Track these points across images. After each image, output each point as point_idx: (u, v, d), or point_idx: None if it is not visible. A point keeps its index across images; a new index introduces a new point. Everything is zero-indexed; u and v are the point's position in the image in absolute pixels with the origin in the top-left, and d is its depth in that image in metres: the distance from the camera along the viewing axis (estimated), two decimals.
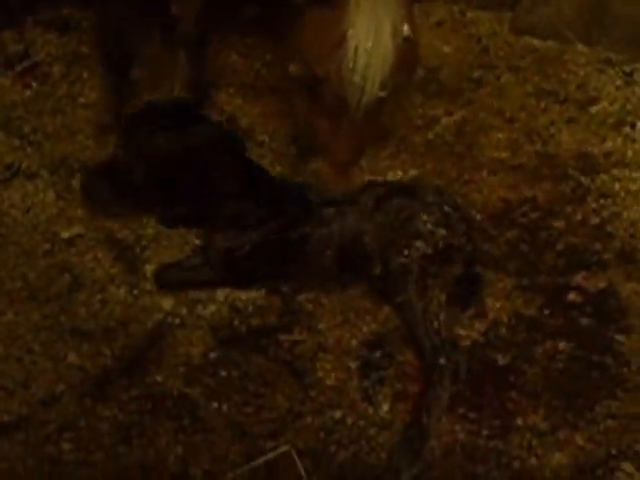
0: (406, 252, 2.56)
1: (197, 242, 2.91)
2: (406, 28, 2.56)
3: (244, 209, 2.69)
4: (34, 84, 3.54)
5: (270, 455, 2.40)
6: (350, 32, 2.51)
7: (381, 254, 2.61)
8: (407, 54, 2.62)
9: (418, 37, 2.68)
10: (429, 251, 2.57)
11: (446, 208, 2.66)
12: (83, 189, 2.78)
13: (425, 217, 2.60)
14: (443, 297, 2.57)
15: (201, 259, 2.79)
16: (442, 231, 2.59)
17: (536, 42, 3.72)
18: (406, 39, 2.57)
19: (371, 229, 2.64)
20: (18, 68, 3.57)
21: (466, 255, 2.65)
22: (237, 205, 2.69)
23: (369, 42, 2.51)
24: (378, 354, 2.62)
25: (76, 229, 2.99)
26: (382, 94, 2.61)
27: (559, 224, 3.00)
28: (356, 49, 2.51)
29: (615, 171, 3.17)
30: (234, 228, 2.70)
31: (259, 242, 2.69)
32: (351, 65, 2.53)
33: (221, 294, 2.80)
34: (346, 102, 2.60)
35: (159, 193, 2.64)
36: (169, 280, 2.80)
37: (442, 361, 2.46)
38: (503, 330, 2.70)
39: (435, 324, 2.50)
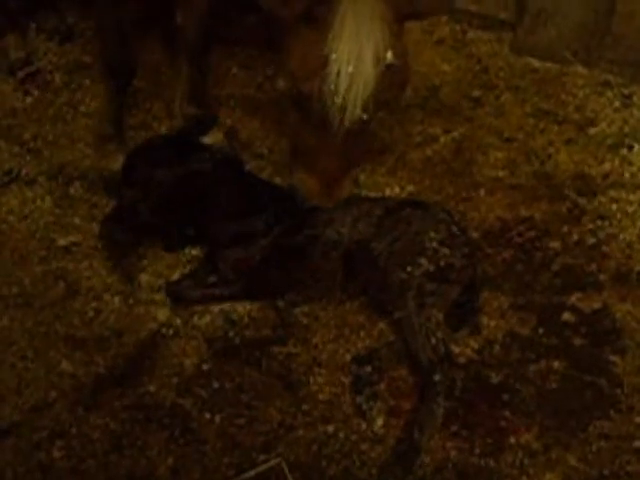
0: (409, 268, 2.56)
1: (194, 252, 2.92)
2: (389, 55, 2.58)
3: (249, 224, 2.75)
4: (35, 91, 3.56)
5: (261, 467, 2.39)
6: (333, 55, 2.53)
7: (385, 265, 2.61)
8: (393, 77, 2.63)
9: (406, 58, 2.68)
10: (431, 269, 2.57)
11: (453, 228, 2.67)
12: (102, 238, 2.86)
13: (433, 234, 2.61)
14: (441, 315, 2.57)
15: (215, 276, 2.80)
16: (446, 250, 2.60)
17: (536, 63, 3.75)
18: (389, 66, 2.58)
19: (379, 236, 2.64)
20: (20, 75, 3.60)
21: (466, 278, 2.65)
22: (241, 222, 2.75)
23: (350, 66, 2.53)
24: (371, 369, 2.62)
25: (73, 237, 3.00)
26: (365, 116, 2.63)
27: (555, 244, 3.01)
28: (338, 72, 2.53)
29: (612, 192, 3.19)
30: (241, 243, 2.74)
31: (268, 249, 2.72)
32: (333, 87, 2.55)
33: (216, 306, 2.80)
34: (329, 121, 2.62)
35: (165, 224, 2.78)
36: (185, 296, 2.80)
37: (437, 378, 2.46)
38: (497, 348, 2.70)
39: (433, 341, 2.49)
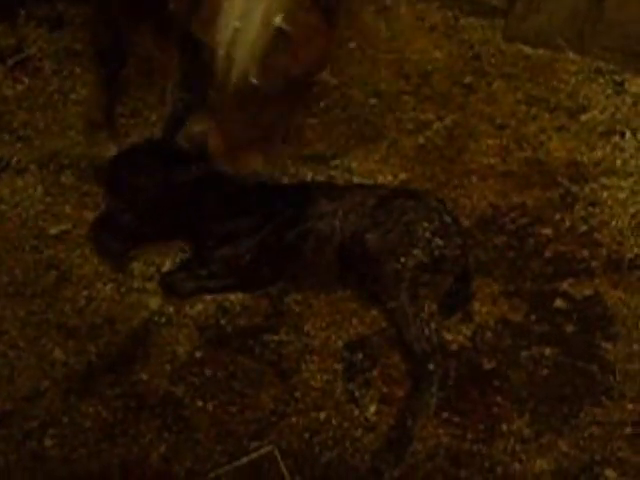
0: (402, 259, 2.56)
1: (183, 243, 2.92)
2: (278, 19, 2.41)
3: (234, 225, 2.73)
4: (25, 79, 3.53)
5: (254, 455, 2.40)
6: (225, 4, 2.42)
7: (378, 255, 2.61)
8: (290, 46, 2.45)
9: (316, 32, 2.48)
10: (424, 260, 2.56)
11: (446, 218, 2.66)
12: (95, 247, 2.82)
13: (425, 224, 2.60)
14: (434, 306, 2.57)
15: (206, 270, 2.78)
16: (439, 241, 2.59)
17: (528, 50, 3.74)
18: (282, 31, 2.41)
19: (372, 227, 2.63)
20: (10, 62, 3.56)
21: (458, 268, 2.65)
22: (229, 223, 2.74)
23: (238, 22, 2.40)
24: (363, 356, 2.62)
25: (64, 225, 2.98)
26: (254, 80, 2.46)
27: (547, 231, 3.01)
28: (227, 25, 2.42)
29: (604, 179, 3.19)
30: (230, 243, 2.72)
31: (257, 248, 2.71)
32: (219, 39, 2.43)
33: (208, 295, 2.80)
34: (216, 73, 2.50)
35: (152, 231, 2.75)
36: (179, 288, 2.78)
37: (431, 367, 2.46)
38: (489, 335, 2.70)
39: (426, 331, 2.50)
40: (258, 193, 2.82)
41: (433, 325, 2.52)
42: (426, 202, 2.71)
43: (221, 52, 2.44)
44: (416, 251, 2.56)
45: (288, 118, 2.75)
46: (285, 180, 3.09)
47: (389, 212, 2.64)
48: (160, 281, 2.81)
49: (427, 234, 2.58)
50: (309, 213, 2.71)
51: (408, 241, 2.57)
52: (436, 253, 2.58)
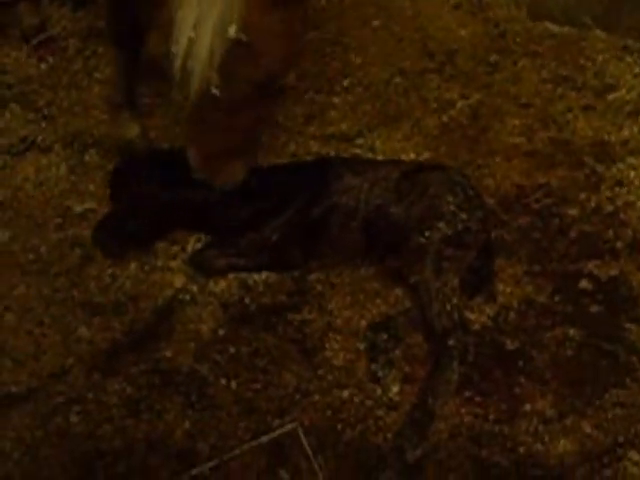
0: (427, 232, 2.55)
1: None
2: (232, 30, 2.26)
3: (259, 207, 2.74)
4: (49, 58, 3.55)
5: (277, 432, 2.41)
6: (178, 15, 2.29)
7: (403, 228, 2.60)
8: (250, 56, 2.32)
9: (279, 39, 2.32)
10: (449, 233, 2.55)
11: (469, 191, 2.65)
12: (97, 245, 2.83)
13: (450, 198, 2.59)
14: (456, 281, 2.56)
15: (235, 249, 2.79)
16: (463, 215, 2.58)
17: (554, 27, 3.70)
18: (239, 42, 2.27)
19: (396, 201, 2.62)
20: (34, 42, 3.58)
21: (480, 242, 2.64)
22: (250, 207, 2.74)
23: (191, 31, 2.28)
24: (387, 337, 2.62)
25: (88, 204, 3.00)
26: (214, 90, 2.35)
27: (572, 211, 2.98)
28: (181, 35, 2.30)
29: (631, 159, 3.15)
30: (255, 226, 2.73)
31: (284, 227, 2.71)
32: (174, 50, 2.33)
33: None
34: (174, 84, 2.41)
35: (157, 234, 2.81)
36: (210, 266, 2.79)
37: (452, 343, 2.46)
38: (513, 315, 2.69)
39: (448, 307, 2.49)
40: (280, 172, 2.82)
41: (455, 301, 2.51)
42: (449, 175, 2.70)
43: (177, 63, 2.33)
44: (441, 224, 2.55)
45: (261, 124, 2.66)
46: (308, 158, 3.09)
47: (413, 185, 2.64)
48: (190, 259, 2.82)
49: (452, 207, 2.58)
50: (333, 188, 2.70)
51: (433, 214, 2.56)
52: (460, 227, 2.57)
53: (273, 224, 2.72)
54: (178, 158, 2.61)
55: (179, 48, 2.31)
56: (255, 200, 2.74)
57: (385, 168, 2.74)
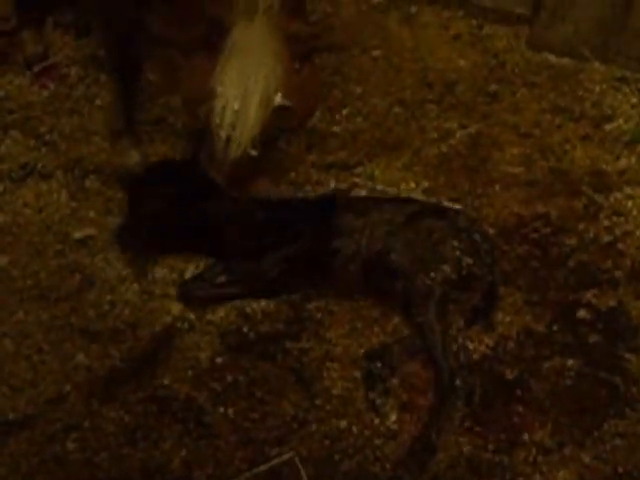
0: (432, 274, 2.56)
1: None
2: (278, 98, 2.45)
3: (261, 241, 2.74)
4: (51, 85, 3.58)
5: (274, 462, 2.39)
6: (219, 89, 2.43)
7: (407, 271, 2.60)
8: (287, 116, 2.50)
9: (311, 93, 2.55)
10: (453, 276, 2.56)
11: (476, 236, 2.66)
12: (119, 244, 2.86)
13: (455, 243, 2.60)
14: (462, 322, 2.57)
15: (227, 277, 2.80)
16: (469, 259, 2.59)
17: (552, 58, 3.73)
18: (281, 107, 2.46)
19: (399, 246, 2.63)
20: (36, 69, 3.60)
21: (486, 285, 2.64)
22: (253, 239, 2.75)
23: (236, 104, 2.42)
24: (383, 364, 2.61)
25: (88, 230, 3.01)
26: (253, 152, 2.54)
27: (571, 241, 2.99)
28: (224, 107, 2.44)
29: (628, 189, 3.16)
30: (254, 259, 2.74)
31: (282, 264, 2.72)
32: (218, 121, 2.46)
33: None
34: (216, 150, 2.56)
35: (173, 241, 2.81)
36: (195, 296, 2.80)
37: (458, 383, 2.46)
38: (512, 345, 2.69)
39: (454, 347, 2.49)
40: (284, 207, 2.83)
41: (461, 341, 2.52)
42: (455, 221, 2.69)
43: (222, 134, 2.47)
44: (445, 267, 2.56)
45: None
46: (308, 188, 3.10)
47: (417, 232, 2.64)
48: (177, 290, 2.82)
49: (456, 252, 2.59)
50: (335, 229, 2.70)
51: (437, 258, 2.57)
52: (465, 271, 2.58)
53: (272, 259, 2.72)
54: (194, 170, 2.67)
55: (224, 119, 2.43)
56: (258, 232, 2.76)
57: (389, 210, 2.72)
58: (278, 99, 2.44)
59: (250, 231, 2.75)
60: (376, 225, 2.67)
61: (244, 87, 2.40)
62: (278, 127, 2.55)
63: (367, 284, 2.72)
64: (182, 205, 2.71)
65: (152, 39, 2.66)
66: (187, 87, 2.59)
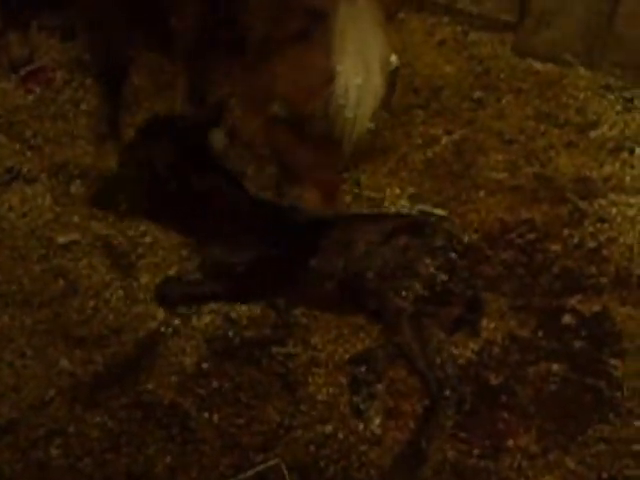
0: (403, 293, 2.56)
1: (193, 254, 2.91)
2: (394, 59, 2.57)
3: (241, 229, 2.75)
4: (37, 89, 3.55)
5: (259, 467, 2.39)
6: (339, 69, 2.46)
7: (379, 290, 2.61)
8: (395, 77, 2.62)
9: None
10: (425, 293, 2.56)
11: (452, 255, 2.65)
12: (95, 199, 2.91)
13: (428, 261, 2.60)
14: (442, 335, 2.56)
15: (200, 274, 2.80)
16: (443, 276, 2.59)
17: (537, 65, 3.75)
18: (395, 69, 2.57)
19: (375, 265, 2.62)
20: (21, 72, 3.59)
21: (466, 300, 2.64)
22: (234, 225, 2.76)
23: (359, 78, 2.47)
24: (367, 369, 2.61)
25: (72, 235, 2.99)
26: (372, 126, 2.61)
27: (555, 247, 3.00)
28: (346, 86, 2.47)
29: (612, 196, 3.18)
30: (231, 245, 2.73)
31: (252, 265, 2.71)
32: (342, 102, 2.49)
33: (216, 305, 2.80)
34: (334, 136, 2.57)
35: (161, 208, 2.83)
36: (169, 295, 2.80)
37: (447, 393, 2.47)
38: (496, 350, 2.69)
39: (438, 360, 2.50)
40: (265, 211, 2.83)
41: (445, 353, 2.52)
42: (431, 239, 2.67)
43: (348, 114, 2.49)
44: (416, 284, 2.56)
45: None
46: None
47: (393, 250, 2.63)
48: (154, 292, 2.82)
49: (431, 269, 2.58)
50: (311, 246, 2.70)
51: (409, 275, 2.57)
52: (439, 287, 2.57)
53: (244, 256, 2.72)
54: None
55: (349, 98, 2.47)
56: (243, 228, 2.77)
57: (364, 228, 2.72)
58: (394, 59, 2.56)
59: (236, 219, 2.76)
60: (351, 244, 2.67)
61: (363, 58, 2.45)
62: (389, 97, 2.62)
63: (342, 302, 2.72)
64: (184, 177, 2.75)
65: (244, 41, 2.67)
66: (287, 83, 2.57)
